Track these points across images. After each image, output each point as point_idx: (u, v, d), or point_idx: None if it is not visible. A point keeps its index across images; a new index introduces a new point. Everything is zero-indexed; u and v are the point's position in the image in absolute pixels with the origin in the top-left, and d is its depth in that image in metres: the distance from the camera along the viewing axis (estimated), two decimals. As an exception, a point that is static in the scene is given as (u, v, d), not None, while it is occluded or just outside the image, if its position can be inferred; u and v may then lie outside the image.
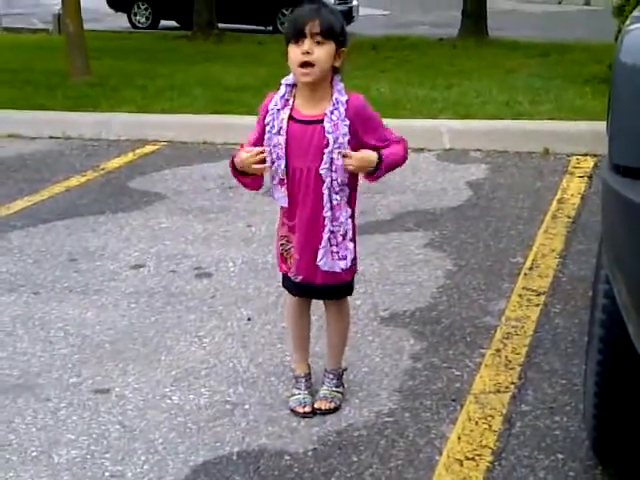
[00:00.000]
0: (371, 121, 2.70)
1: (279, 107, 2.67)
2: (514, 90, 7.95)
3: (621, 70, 1.99)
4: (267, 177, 2.79)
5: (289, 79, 2.70)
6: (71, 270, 4.24)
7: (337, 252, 2.75)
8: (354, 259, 2.82)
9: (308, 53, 2.58)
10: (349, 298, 2.99)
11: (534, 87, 8.11)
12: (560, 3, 21.35)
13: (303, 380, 3.00)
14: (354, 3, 17.29)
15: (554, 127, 6.48)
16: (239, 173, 2.75)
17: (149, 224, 4.91)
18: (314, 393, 2.98)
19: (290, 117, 2.67)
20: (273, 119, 2.67)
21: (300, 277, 2.80)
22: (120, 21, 18.03)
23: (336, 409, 2.92)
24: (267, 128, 2.68)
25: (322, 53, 2.59)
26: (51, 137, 7.13)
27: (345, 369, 3.07)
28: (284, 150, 2.67)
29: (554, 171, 5.80)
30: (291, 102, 2.69)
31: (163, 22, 17.92)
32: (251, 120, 8.25)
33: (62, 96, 8.12)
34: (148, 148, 6.72)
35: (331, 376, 3.00)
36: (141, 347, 3.43)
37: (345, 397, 3.00)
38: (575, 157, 6.06)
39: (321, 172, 2.65)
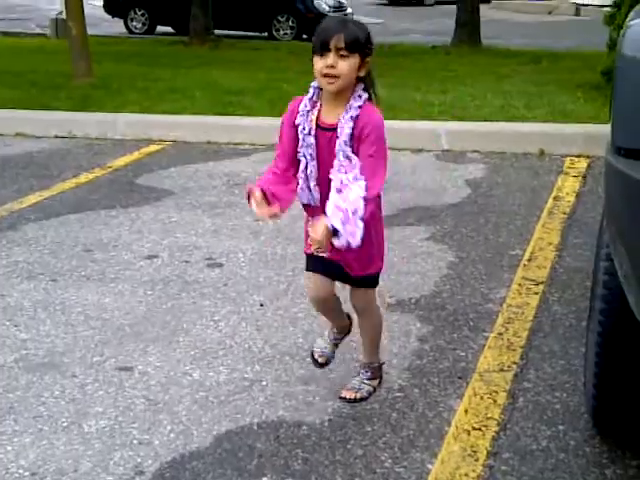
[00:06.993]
0: (371, 136, 2.65)
1: (308, 108, 2.72)
2: (508, 95, 8.15)
3: (623, 61, 2.17)
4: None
5: (316, 82, 2.73)
6: (87, 260, 4.39)
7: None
8: (381, 254, 2.83)
9: (332, 67, 2.62)
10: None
11: (528, 92, 8.31)
12: (550, 13, 21.64)
13: (334, 332, 3.03)
14: (348, 11, 17.55)
15: (549, 129, 6.68)
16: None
17: (159, 218, 5.07)
18: (337, 347, 3.06)
19: (316, 121, 2.71)
20: (304, 120, 2.71)
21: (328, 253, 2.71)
22: (116, 27, 18.18)
23: (362, 399, 2.99)
24: (299, 129, 2.72)
25: (345, 66, 2.62)
26: (57, 136, 7.30)
27: (383, 363, 3.08)
28: (315, 151, 2.70)
29: (549, 171, 6.00)
30: (318, 104, 2.73)
31: (159, 28, 18.10)
32: (252, 121, 8.32)
33: (66, 97, 8.30)
34: (153, 147, 6.89)
35: (365, 369, 3.03)
36: (160, 330, 3.59)
37: (378, 391, 3.03)
38: (569, 158, 6.27)
39: (330, 177, 2.65)
